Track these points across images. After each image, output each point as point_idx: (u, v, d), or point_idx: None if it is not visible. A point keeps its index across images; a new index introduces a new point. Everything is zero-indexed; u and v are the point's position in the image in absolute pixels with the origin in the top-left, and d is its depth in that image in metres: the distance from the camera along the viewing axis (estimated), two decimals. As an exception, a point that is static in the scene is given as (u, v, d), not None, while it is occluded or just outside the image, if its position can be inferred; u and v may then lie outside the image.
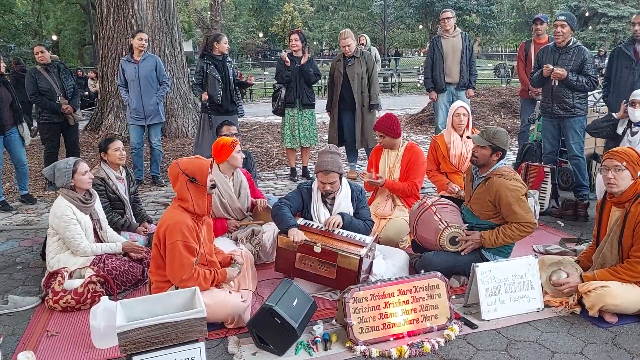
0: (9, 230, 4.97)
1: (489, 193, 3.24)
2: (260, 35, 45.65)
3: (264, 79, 20.90)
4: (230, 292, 2.98)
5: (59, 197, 3.57)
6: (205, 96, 5.55)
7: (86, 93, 15.27)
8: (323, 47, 50.10)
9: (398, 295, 2.77)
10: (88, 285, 3.30)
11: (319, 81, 6.40)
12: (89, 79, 15.80)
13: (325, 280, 3.22)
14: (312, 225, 3.42)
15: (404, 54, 43.73)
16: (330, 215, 3.49)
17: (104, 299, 2.91)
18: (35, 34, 33.94)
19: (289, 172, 6.69)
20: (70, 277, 3.38)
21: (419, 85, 18.97)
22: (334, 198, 3.54)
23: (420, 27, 36.97)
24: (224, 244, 3.60)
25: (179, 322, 2.21)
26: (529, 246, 3.93)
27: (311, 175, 6.50)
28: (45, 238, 3.76)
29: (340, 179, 3.54)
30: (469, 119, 4.48)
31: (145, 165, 6.61)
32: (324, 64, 35.32)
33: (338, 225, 3.37)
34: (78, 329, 3.03)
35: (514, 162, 5.78)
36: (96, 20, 9.54)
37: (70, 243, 3.48)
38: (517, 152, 6.14)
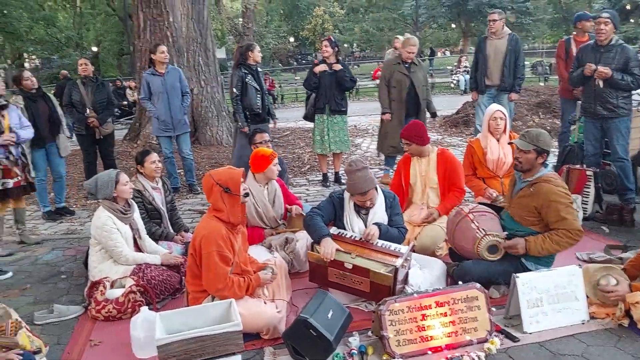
0: (53, 240, 5.13)
1: (535, 199, 3.13)
2: (291, 40, 45.89)
3: (295, 83, 21.00)
4: (265, 303, 2.99)
5: (99, 208, 3.67)
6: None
7: (125, 102, 15.68)
8: (354, 49, 50.00)
9: (436, 308, 2.72)
10: (129, 294, 3.38)
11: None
12: (128, 89, 16.20)
13: (360, 293, 3.19)
14: (346, 234, 3.39)
15: (442, 52, 43.26)
16: (365, 225, 3.46)
17: (144, 309, 2.97)
18: (77, 46, 35.10)
19: (320, 178, 6.69)
20: (112, 286, 3.46)
21: (452, 85, 18.69)
22: (368, 208, 3.50)
23: (453, 26, 36.48)
24: (258, 252, 3.62)
25: (216, 335, 2.24)
26: (571, 254, 3.79)
27: (343, 181, 6.49)
28: (88, 247, 3.87)
29: (376, 189, 3.49)
30: (506, 123, 4.37)
31: (181, 173, 6.72)
32: (355, 67, 35.25)
33: (375, 237, 3.31)
34: (119, 339, 3.10)
35: (555, 164, 5.61)
36: (133, 32, 9.78)
37: (112, 252, 3.56)
38: (557, 154, 5.96)
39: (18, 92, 5.38)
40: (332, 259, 3.14)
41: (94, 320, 3.36)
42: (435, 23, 35.39)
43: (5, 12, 25.30)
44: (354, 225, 3.45)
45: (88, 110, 5.93)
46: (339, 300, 2.97)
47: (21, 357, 2.52)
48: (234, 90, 5.68)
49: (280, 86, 20.44)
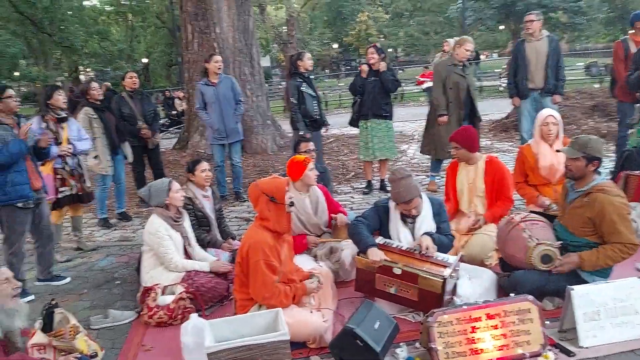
0: (108, 247, 5.32)
1: (590, 210, 3.01)
2: (335, 46, 46.11)
3: (339, 89, 21.03)
4: (311, 312, 3.00)
5: (152, 215, 3.79)
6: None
7: (174, 112, 16.16)
8: (398, 54, 49.70)
9: (486, 320, 2.65)
10: (179, 301, 3.46)
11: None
12: (176, 99, 16.67)
13: (408, 302, 3.15)
14: (392, 244, 3.36)
15: (485, 55, 42.37)
16: (412, 234, 3.41)
17: (194, 316, 3.03)
18: (128, 58, 36.46)
19: (365, 185, 6.67)
20: (163, 293, 3.56)
21: (501, 89, 18.25)
22: (415, 216, 3.45)
23: (502, 27, 35.64)
24: (303, 262, 3.63)
25: (264, 345, 2.26)
26: (630, 265, 3.60)
27: (389, 189, 6.43)
28: (141, 254, 4.00)
29: (420, 197, 3.45)
30: (558, 128, 4.23)
31: (228, 181, 6.85)
32: (399, 71, 34.99)
33: (431, 249, 3.24)
34: (170, 344, 3.17)
35: (612, 170, 5.37)
36: (182, 43, 10.07)
37: (163, 258, 3.67)
38: (614, 159, 5.70)
39: (85, 103, 5.65)
40: (381, 264, 3.12)
41: (146, 326, 3.46)
42: (483, 25, 34.67)
43: (62, 27, 26.60)
44: (401, 234, 3.42)
45: (140, 122, 6.15)
46: (385, 311, 2.94)
47: None
48: (292, 99, 5.74)
49: (324, 93, 20.53)
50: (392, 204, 3.49)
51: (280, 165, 8.16)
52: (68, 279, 4.45)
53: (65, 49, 28.73)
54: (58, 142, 4.71)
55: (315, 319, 2.92)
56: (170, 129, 14.72)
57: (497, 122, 10.45)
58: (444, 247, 3.33)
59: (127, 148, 6.00)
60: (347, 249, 3.83)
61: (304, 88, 5.75)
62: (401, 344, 2.82)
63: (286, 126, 10.04)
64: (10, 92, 3.91)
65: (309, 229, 4.01)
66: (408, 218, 3.45)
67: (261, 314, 2.57)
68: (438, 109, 5.92)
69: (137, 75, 6.42)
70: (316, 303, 3.18)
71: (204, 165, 4.40)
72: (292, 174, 3.90)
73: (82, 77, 40.51)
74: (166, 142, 11.23)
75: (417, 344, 2.84)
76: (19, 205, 3.89)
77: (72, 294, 4.17)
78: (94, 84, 5.76)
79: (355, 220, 3.47)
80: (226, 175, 6.77)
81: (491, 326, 2.65)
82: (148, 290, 3.61)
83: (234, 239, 4.54)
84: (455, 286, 3.21)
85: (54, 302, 3.09)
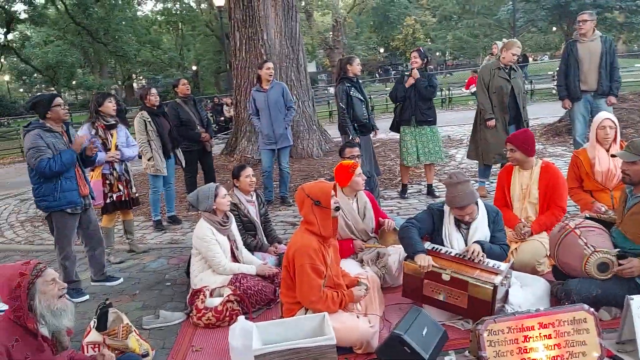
0: (159, 249, 5.47)
1: (650, 216, 2.87)
2: (381, 50, 45.96)
3: (386, 94, 20.88)
4: (358, 317, 2.99)
5: (200, 219, 3.88)
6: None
7: (222, 118, 16.50)
8: (446, 57, 49.02)
9: (539, 329, 2.56)
10: (227, 303, 3.52)
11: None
12: (224, 105, 17.02)
13: (456, 309, 3.09)
14: (441, 250, 3.30)
15: (532, 58, 41.15)
16: (465, 240, 3.33)
17: (241, 318, 3.07)
18: (178, 66, 37.59)
19: (413, 191, 6.59)
20: (211, 295, 3.63)
21: (554, 91, 17.67)
22: (470, 222, 3.35)
23: (554, 29, 34.54)
24: (349, 266, 3.62)
25: (310, 348, 2.26)
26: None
27: (436, 194, 6.34)
28: (190, 257, 4.09)
29: (476, 203, 3.35)
30: (616, 131, 4.04)
31: (275, 185, 6.92)
32: (447, 75, 34.43)
33: (479, 255, 3.16)
34: (219, 346, 3.23)
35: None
36: (230, 50, 10.28)
37: (211, 261, 3.74)
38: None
39: (142, 107, 5.86)
40: (429, 269, 3.07)
41: (195, 327, 3.53)
42: (534, 27, 33.71)
43: (117, 37, 27.73)
44: (453, 240, 3.34)
45: (198, 127, 6.31)
46: (434, 317, 2.89)
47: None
48: (341, 104, 5.76)
49: (370, 97, 20.48)
50: (446, 208, 3.40)
51: (325, 170, 8.18)
52: (121, 280, 4.60)
53: (119, 58, 29.92)
54: (107, 149, 4.88)
55: (361, 324, 2.90)
56: (219, 135, 15.03)
57: (550, 125, 10.10)
58: (496, 257, 3.22)
59: (180, 154, 6.15)
60: (394, 254, 3.80)
61: (353, 92, 5.75)
62: (450, 352, 2.77)
63: (332, 131, 10.11)
64: (59, 100, 4.04)
65: (356, 233, 3.99)
66: (462, 223, 3.37)
67: (307, 318, 2.57)
68: (484, 113, 5.82)
69: (188, 82, 6.60)
70: (363, 308, 3.17)
71: (249, 171, 4.47)
72: (339, 179, 3.90)
73: (135, 85, 42.05)
74: (214, 147, 11.46)
75: (467, 353, 2.77)
76: (68, 210, 4.04)
77: (125, 294, 4.31)
78: (153, 90, 5.96)
79: (406, 223, 3.40)
80: (273, 180, 6.84)
81: (544, 336, 2.55)
82: (197, 292, 3.69)
83: (280, 243, 4.58)
84: (506, 294, 3.12)
85: (108, 302, 3.20)
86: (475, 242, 3.25)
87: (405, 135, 6.02)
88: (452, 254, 3.23)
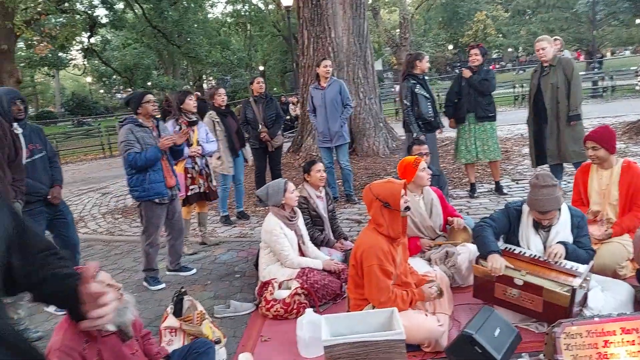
0: (229, 242, 5.66)
1: None
2: (450, 47, 44.95)
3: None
4: (426, 315, 2.95)
5: (269, 214, 3.97)
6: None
7: (287, 117, 16.77)
8: (519, 53, 47.18)
9: (621, 334, 2.42)
10: (294, 296, 3.58)
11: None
12: (290, 104, 17.28)
13: (530, 312, 2.97)
14: (515, 250, 3.18)
15: (613, 53, 38.78)
16: (543, 244, 3.19)
17: (309, 311, 3.13)
18: (247, 66, 38.50)
19: (484, 190, 6.41)
20: (279, 287, 3.71)
21: (637, 87, 16.59)
22: (550, 225, 3.19)
23: (638, 21, 32.40)
24: (417, 265, 3.57)
25: (379, 342, 2.26)
26: None
27: (505, 191, 6.14)
28: (259, 250, 4.20)
29: (559, 209, 3.17)
30: None
31: (338, 183, 6.95)
32: (520, 72, 33.14)
33: (560, 257, 3.02)
34: (286, 337, 3.29)
35: None
36: (297, 49, 10.40)
37: (279, 255, 3.82)
38: None
39: (211, 107, 6.08)
40: (500, 273, 2.98)
41: (264, 318, 3.63)
42: (616, 20, 31.78)
43: (189, 39, 28.81)
44: (530, 242, 3.19)
45: (260, 126, 6.46)
46: (506, 319, 2.80)
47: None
48: (405, 101, 5.73)
49: (438, 95, 20.12)
50: (525, 209, 3.26)
51: (392, 168, 8.11)
52: (194, 270, 4.79)
53: (192, 59, 31.03)
54: (189, 144, 5.11)
55: (430, 322, 2.86)
56: (285, 133, 15.26)
57: (633, 124, 9.50)
58: (580, 261, 3.04)
59: (247, 151, 6.31)
60: (464, 253, 3.72)
61: (418, 89, 5.69)
62: (523, 354, 2.68)
63: (398, 129, 10.00)
64: (149, 97, 4.31)
65: (423, 231, 3.94)
66: (542, 226, 3.20)
67: (376, 312, 2.57)
68: (528, 116, 5.70)
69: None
70: (431, 307, 3.12)
71: (320, 166, 4.52)
72: (403, 175, 3.87)
73: (205, 85, 43.51)
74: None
75: (541, 356, 2.67)
76: (156, 200, 4.28)
77: (198, 284, 4.49)
78: (221, 90, 6.14)
79: (482, 222, 3.31)
80: (336, 178, 6.87)
81: (627, 341, 2.41)
82: (265, 284, 3.78)
83: (346, 239, 4.60)
84: (585, 297, 2.96)
85: (183, 290, 3.35)
86: (559, 242, 3.10)
87: (464, 132, 5.88)
88: (528, 255, 3.11)
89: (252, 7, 36.88)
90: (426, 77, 5.99)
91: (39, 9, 18.08)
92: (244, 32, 42.26)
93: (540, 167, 5.61)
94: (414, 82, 5.71)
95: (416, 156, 3.98)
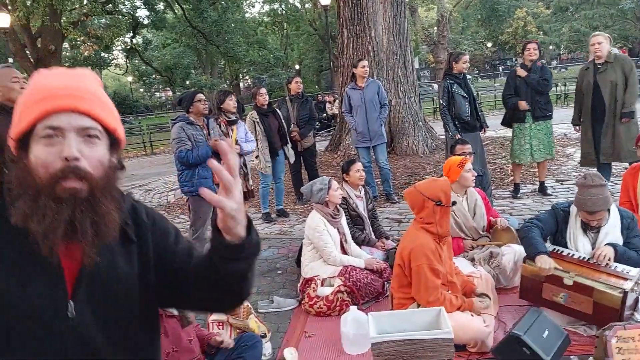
0: (269, 239, 5.74)
1: None
2: (489, 45, 44.09)
3: (494, 90, 20.09)
4: (472, 315, 2.94)
5: (313, 211, 4.02)
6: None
7: (324, 115, 16.81)
8: (561, 51, 45.90)
9: (678, 340, 2.36)
10: (337, 293, 3.62)
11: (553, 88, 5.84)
12: (327, 103, 17.33)
13: (580, 314, 2.92)
14: (563, 252, 3.13)
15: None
16: (591, 245, 3.13)
17: (353, 308, 3.16)
18: (283, 65, 38.76)
19: (527, 190, 6.30)
20: (322, 284, 3.76)
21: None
22: (599, 226, 3.13)
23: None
24: (460, 265, 3.55)
25: (427, 341, 2.27)
26: None
27: (549, 192, 6.02)
28: (300, 247, 4.26)
29: (608, 210, 3.11)
30: None
31: (377, 182, 6.94)
32: (562, 70, 32.27)
33: (609, 259, 2.96)
34: (330, 333, 3.33)
35: None
36: (334, 48, 10.42)
37: (323, 252, 3.87)
38: None
39: (254, 107, 6.17)
40: (550, 273, 2.94)
41: (307, 314, 3.68)
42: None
43: (227, 38, 29.22)
44: (578, 244, 3.14)
45: (292, 125, 6.52)
46: (555, 320, 2.77)
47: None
48: (441, 100, 5.71)
49: (478, 94, 19.82)
50: (573, 209, 3.20)
51: (431, 167, 8.06)
52: (237, 265, 4.88)
53: (230, 59, 31.46)
54: None
55: (476, 323, 2.85)
56: (321, 132, 15.33)
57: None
58: (631, 263, 2.98)
59: (289, 150, 6.37)
60: (508, 254, 3.68)
61: (455, 89, 5.64)
62: (572, 357, 2.64)
63: (437, 128, 9.92)
64: (200, 96, 4.46)
65: (466, 231, 3.91)
66: (590, 227, 3.15)
67: (423, 311, 2.59)
68: (575, 114, 5.59)
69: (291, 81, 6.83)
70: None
71: (358, 165, 4.55)
72: (448, 175, 3.85)
73: (241, 85, 44.03)
74: (318, 144, 11.72)
75: (591, 359, 2.62)
76: None
77: (240, 280, 4.57)
78: (262, 90, 6.22)
79: (528, 222, 3.27)
80: (375, 177, 6.87)
81: (683, 348, 2.35)
82: (308, 281, 3.83)
83: (387, 238, 4.60)
84: (636, 301, 2.89)
85: (229, 285, 3.43)
86: (607, 243, 3.04)
87: (520, 132, 5.77)
88: (576, 257, 3.06)
89: (289, 6, 37.10)
90: (468, 76, 5.91)
91: (85, 10, 18.69)
92: (280, 31, 42.56)
93: (587, 168, 5.49)
94: (452, 81, 5.67)
95: (462, 157, 3.95)
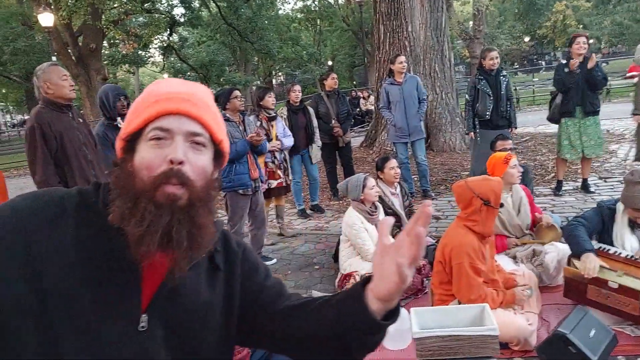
0: (305, 234, 5.78)
1: None
2: (527, 39, 43.09)
3: (533, 85, 19.65)
4: (515, 313, 2.90)
5: (350, 208, 4.04)
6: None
7: (357, 111, 16.78)
8: (602, 45, 44.47)
9: None
10: (376, 289, 3.62)
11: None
12: (361, 99, 17.29)
13: (626, 315, 2.85)
14: (610, 250, 3.06)
15: None
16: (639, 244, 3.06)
17: (393, 304, 3.15)
18: (316, 61, 38.79)
19: (569, 188, 6.16)
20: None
21: None
22: None
23: None
24: (502, 262, 3.51)
25: (472, 337, 2.26)
26: None
27: (591, 190, 5.87)
28: (338, 243, 4.28)
29: None
30: None
31: (415, 178, 6.90)
32: (603, 64, 31.29)
33: None
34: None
35: None
36: (373, 44, 10.37)
37: (360, 249, 3.88)
38: None
39: (286, 103, 6.23)
40: (593, 276, 2.88)
41: (346, 310, 3.69)
42: None
43: (262, 35, 29.42)
44: (625, 242, 3.08)
45: (333, 121, 6.53)
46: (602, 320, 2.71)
47: None
48: (467, 96, 5.68)
49: (515, 89, 19.43)
50: (620, 207, 3.14)
51: (468, 164, 7.95)
52: (274, 260, 4.95)
53: (264, 55, 31.68)
54: (269, 139, 5.27)
55: (519, 321, 2.82)
56: (355, 127, 15.30)
57: None
58: None
59: (313, 149, 6.29)
60: (552, 252, 3.61)
61: (481, 86, 5.58)
62: (619, 357, 2.58)
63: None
64: (236, 93, 4.52)
65: (509, 229, 3.86)
66: (637, 225, 3.09)
67: (466, 308, 2.57)
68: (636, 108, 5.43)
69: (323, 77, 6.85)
70: (519, 305, 3.07)
71: (393, 162, 4.52)
72: (492, 172, 3.80)
73: (274, 81, 44.29)
74: (352, 140, 11.71)
75: (639, 360, 2.57)
76: (240, 191, 4.46)
77: (278, 273, 4.62)
78: (296, 87, 6.24)
79: (573, 221, 3.21)
80: (412, 173, 6.83)
81: None
82: (347, 277, 3.85)
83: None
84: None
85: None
86: None
87: (568, 127, 5.64)
88: (623, 255, 2.99)
89: (322, 2, 37.11)
90: (504, 73, 5.81)
91: (125, 8, 19.14)
92: (313, 28, 42.60)
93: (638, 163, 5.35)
94: (480, 77, 5.62)
95: (507, 153, 3.89)
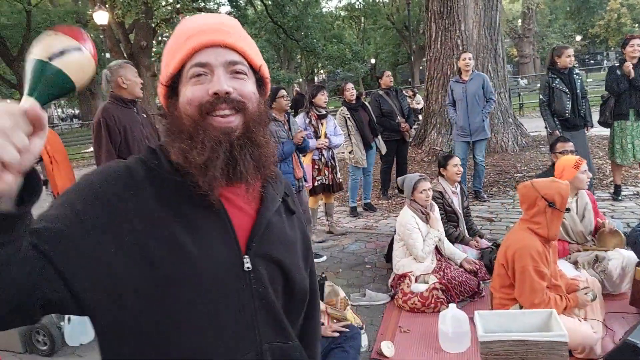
0: (355, 233, 5.80)
1: None
2: (578, 38, 41.66)
3: (587, 86, 18.95)
4: (579, 321, 2.84)
5: (405, 207, 4.04)
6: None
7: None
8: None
9: None
10: (432, 291, 3.61)
11: None
12: (407, 98, 17.12)
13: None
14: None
15: None
16: None
17: (453, 306, 3.14)
18: (359, 59, 38.71)
19: (628, 193, 5.94)
20: (416, 281, 3.76)
21: None
22: None
23: None
24: (563, 268, 3.42)
25: (541, 343, 2.23)
26: None
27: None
28: (391, 242, 4.27)
29: None
30: None
31: (467, 179, 6.80)
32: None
33: None
34: (425, 329, 3.34)
35: None
36: (425, 42, 10.25)
37: (411, 249, 3.87)
38: None
39: (343, 102, 6.25)
40: None
41: (399, 309, 3.69)
42: None
43: (305, 34, 29.57)
44: None
45: (399, 117, 6.52)
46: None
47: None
48: (541, 95, 5.55)
49: (586, 90, 18.73)
50: None
51: (522, 165, 7.79)
52: (324, 258, 4.99)
53: (308, 53, 31.82)
54: (317, 136, 5.30)
55: (584, 328, 2.76)
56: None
57: None
58: None
59: (380, 142, 6.39)
60: (616, 259, 3.50)
61: (556, 84, 5.43)
62: (694, 371, 2.48)
63: (527, 124, 9.56)
64: (282, 92, 4.52)
65: (572, 235, 3.76)
66: None
67: (532, 313, 2.53)
68: None
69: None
70: (583, 313, 2.99)
71: (456, 160, 4.49)
72: (562, 174, 3.71)
73: (316, 79, 44.44)
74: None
75: None
76: None
77: (329, 271, 4.66)
78: (348, 85, 6.24)
79: (638, 227, 3.14)
80: (466, 174, 6.74)
81: None
82: (402, 277, 3.84)
83: (481, 237, 4.52)
84: None
85: (324, 276, 3.52)
86: None
87: (621, 131, 5.45)
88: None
89: (367, 0, 36.98)
90: (577, 71, 5.64)
91: (176, 6, 19.60)
92: (357, 25, 42.49)
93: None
94: (554, 76, 5.47)
95: (578, 157, 3.80)
